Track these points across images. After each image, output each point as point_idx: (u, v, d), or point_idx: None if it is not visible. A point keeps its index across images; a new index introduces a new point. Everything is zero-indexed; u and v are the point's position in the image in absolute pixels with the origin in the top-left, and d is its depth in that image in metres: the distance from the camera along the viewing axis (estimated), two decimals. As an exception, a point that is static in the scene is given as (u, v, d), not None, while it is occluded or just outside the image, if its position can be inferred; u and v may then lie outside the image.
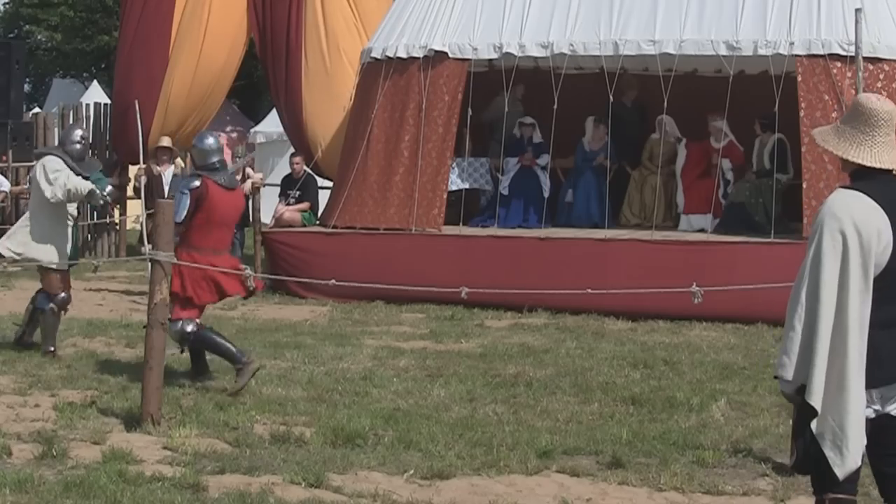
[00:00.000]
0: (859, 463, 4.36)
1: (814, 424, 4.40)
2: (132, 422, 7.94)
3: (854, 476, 4.49)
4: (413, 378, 9.70)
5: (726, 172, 14.95)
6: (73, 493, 6.37)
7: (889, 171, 4.55)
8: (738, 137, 15.03)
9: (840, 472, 4.36)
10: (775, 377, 4.59)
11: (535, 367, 10.17)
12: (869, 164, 4.53)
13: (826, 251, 4.37)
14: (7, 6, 44.07)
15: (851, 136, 4.57)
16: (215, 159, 9.34)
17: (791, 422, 4.64)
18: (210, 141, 9.42)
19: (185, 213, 9.07)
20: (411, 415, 8.33)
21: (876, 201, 4.43)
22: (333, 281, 9.39)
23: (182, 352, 9.53)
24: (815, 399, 4.36)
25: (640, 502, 6.58)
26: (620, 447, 7.49)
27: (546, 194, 15.35)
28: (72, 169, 10.37)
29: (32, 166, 17.56)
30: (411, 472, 6.95)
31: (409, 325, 12.70)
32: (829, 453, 4.38)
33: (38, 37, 41.79)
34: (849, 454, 4.35)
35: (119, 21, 20.92)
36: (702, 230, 14.40)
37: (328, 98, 16.91)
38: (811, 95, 13.44)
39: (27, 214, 10.73)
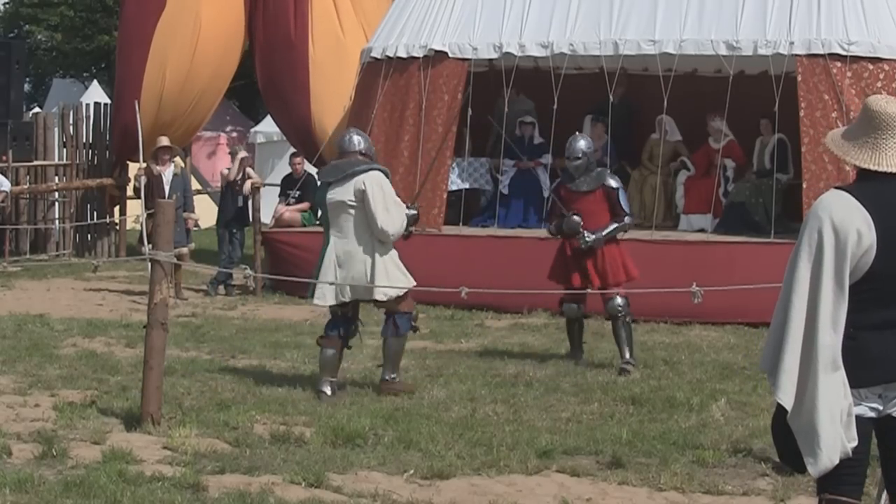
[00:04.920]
0: (836, 462, 4.28)
1: (791, 421, 4.38)
2: (132, 422, 7.94)
3: (856, 477, 4.43)
4: (413, 378, 9.70)
5: (727, 171, 14.94)
6: (73, 493, 6.37)
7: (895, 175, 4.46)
8: (738, 137, 15.01)
9: (813, 470, 4.31)
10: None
11: (535, 367, 10.17)
12: (865, 167, 4.47)
13: (802, 251, 4.38)
14: (7, 6, 44.01)
15: (856, 138, 4.53)
16: None
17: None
18: None
19: None
20: (411, 415, 8.33)
21: (863, 203, 4.36)
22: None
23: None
24: (782, 396, 4.36)
25: (640, 502, 6.58)
26: (620, 447, 7.49)
27: (546, 194, 15.33)
28: None
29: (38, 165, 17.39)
30: (411, 472, 6.95)
31: (409, 324, 12.66)
32: (804, 451, 4.34)
33: (38, 37, 41.75)
34: (821, 453, 4.29)
35: (118, 20, 20.92)
36: (702, 230, 14.40)
37: (338, 87, 16.72)
38: (811, 95, 13.44)
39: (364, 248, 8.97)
